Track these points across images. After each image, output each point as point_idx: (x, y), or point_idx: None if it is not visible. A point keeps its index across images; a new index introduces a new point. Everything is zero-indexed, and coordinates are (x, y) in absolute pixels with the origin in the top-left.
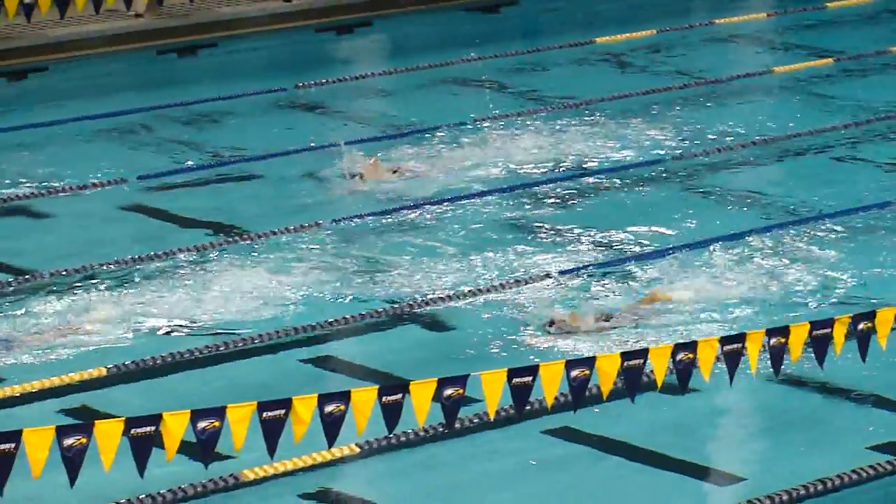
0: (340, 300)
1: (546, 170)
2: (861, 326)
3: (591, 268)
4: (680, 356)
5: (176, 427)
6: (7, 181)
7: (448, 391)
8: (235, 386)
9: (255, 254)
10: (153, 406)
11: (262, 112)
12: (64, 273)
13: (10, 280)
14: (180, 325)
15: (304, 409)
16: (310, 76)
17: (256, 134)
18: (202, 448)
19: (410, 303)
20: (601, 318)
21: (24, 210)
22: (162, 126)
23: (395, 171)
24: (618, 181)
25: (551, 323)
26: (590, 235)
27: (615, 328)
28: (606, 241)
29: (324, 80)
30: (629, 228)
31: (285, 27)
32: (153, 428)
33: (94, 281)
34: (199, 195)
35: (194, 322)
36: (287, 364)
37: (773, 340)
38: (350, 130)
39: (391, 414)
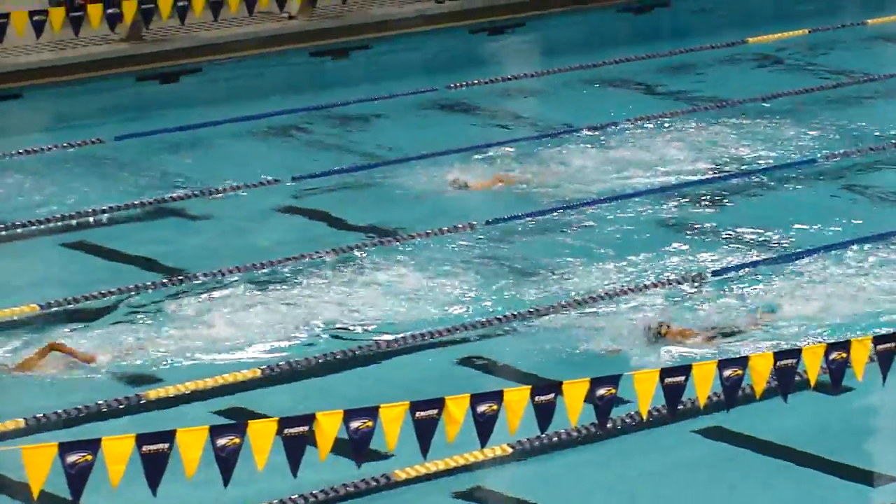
0: (493, 301)
1: (697, 170)
2: None
3: (743, 268)
4: (833, 355)
5: (329, 427)
6: (161, 182)
7: (601, 391)
8: (388, 386)
9: (407, 255)
10: (306, 406)
11: (414, 113)
12: (218, 274)
13: (165, 280)
14: (333, 326)
15: (457, 408)
16: (461, 77)
17: (407, 135)
18: (355, 448)
19: (563, 303)
20: (711, 334)
21: (179, 212)
22: (315, 127)
23: (500, 182)
24: (770, 181)
25: (659, 334)
26: (741, 236)
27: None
28: (757, 242)
29: (475, 81)
30: (780, 229)
31: (437, 28)
32: (306, 428)
33: (248, 282)
34: (351, 196)
35: (347, 322)
36: (440, 364)
37: None
38: (499, 131)
39: (544, 414)
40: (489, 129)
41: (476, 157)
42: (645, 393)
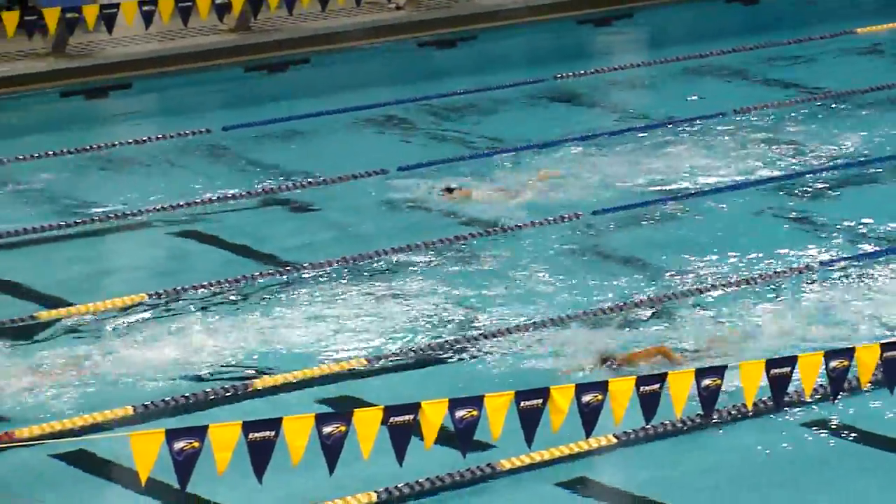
0: (599, 292)
1: (808, 161)
2: None
3: (851, 260)
4: None
5: (434, 416)
6: (268, 173)
7: (706, 381)
8: (492, 375)
9: (512, 245)
10: (411, 395)
11: (521, 103)
12: (325, 264)
13: (272, 271)
14: (437, 316)
15: (562, 398)
16: (568, 67)
17: (514, 125)
18: (460, 437)
19: (671, 294)
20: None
21: (286, 202)
22: (421, 117)
23: (455, 191)
24: (883, 171)
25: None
26: (854, 227)
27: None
28: (871, 233)
29: (582, 72)
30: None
31: (545, 19)
32: (412, 417)
33: (354, 272)
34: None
35: (451, 313)
36: (543, 354)
37: None
38: (605, 122)
39: (649, 404)
40: (595, 120)
41: (579, 147)
42: (750, 384)
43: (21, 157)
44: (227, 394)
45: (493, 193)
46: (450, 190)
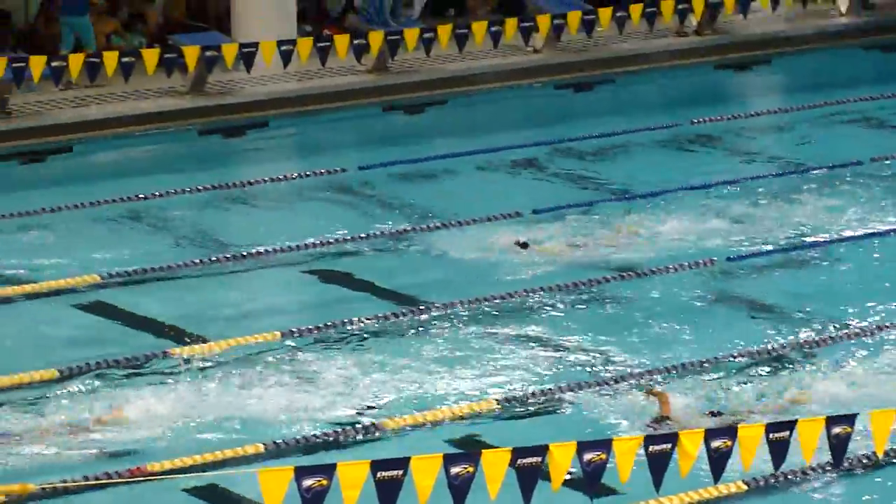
0: (728, 339)
1: None
2: None
3: None
4: None
5: (562, 458)
6: (403, 212)
7: (836, 430)
8: (621, 419)
9: (649, 288)
10: (539, 438)
11: (657, 147)
12: (456, 304)
13: (404, 311)
14: (567, 359)
15: (691, 444)
16: (705, 112)
17: (649, 168)
18: (588, 480)
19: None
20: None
21: (419, 241)
22: (557, 160)
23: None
24: None
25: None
26: None
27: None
28: None
29: (718, 117)
30: None
31: (684, 63)
32: (539, 459)
33: (484, 314)
34: (592, 230)
35: (581, 356)
36: (681, 397)
37: None
38: (740, 167)
39: (778, 451)
40: (729, 166)
41: (716, 192)
42: (881, 432)
43: (158, 193)
44: (357, 433)
45: (623, 238)
46: (523, 245)
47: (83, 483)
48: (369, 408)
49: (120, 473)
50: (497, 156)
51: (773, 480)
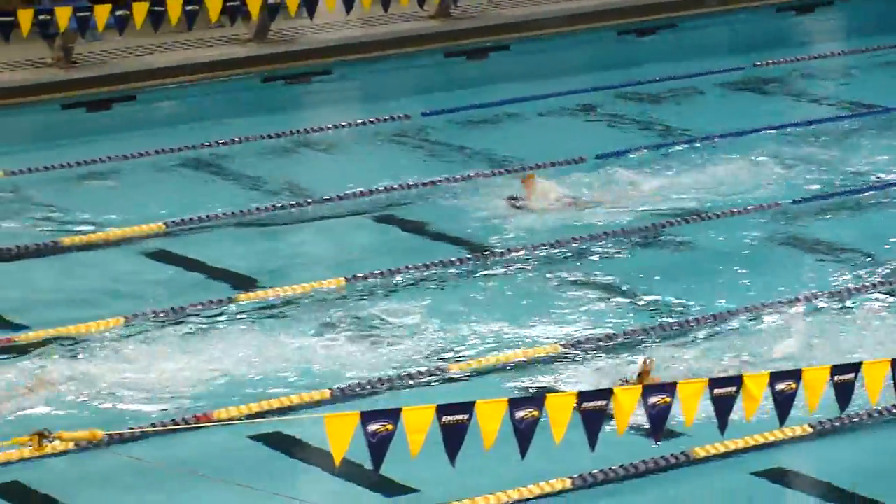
0: (793, 282)
1: None
2: None
3: None
4: None
5: (627, 402)
6: (466, 158)
7: None
8: (685, 362)
9: (720, 231)
10: (604, 382)
11: (720, 92)
12: (516, 250)
13: (469, 256)
14: (632, 303)
15: (756, 386)
16: (768, 56)
17: (712, 113)
18: (653, 424)
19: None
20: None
21: (483, 186)
22: (620, 105)
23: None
24: None
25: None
26: None
27: None
28: None
29: (781, 60)
30: None
31: (746, 6)
32: (604, 402)
33: (548, 258)
34: (647, 175)
35: (645, 301)
36: (738, 344)
37: None
38: (802, 110)
39: (844, 393)
40: (792, 109)
41: (779, 135)
42: None
43: (223, 141)
44: (421, 378)
45: (686, 181)
46: (513, 198)
47: (150, 429)
48: (434, 353)
49: (187, 420)
50: (560, 101)
51: (838, 423)
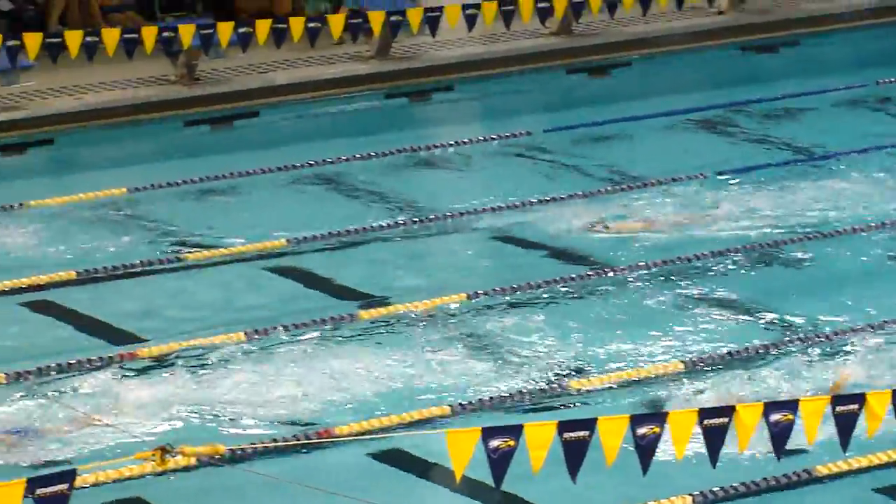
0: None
1: None
2: None
3: None
4: None
5: (749, 419)
6: (588, 175)
7: None
8: (806, 381)
9: (838, 248)
10: (724, 399)
11: (842, 109)
12: (641, 267)
13: (590, 273)
14: (750, 320)
15: (878, 404)
16: (890, 73)
17: (835, 130)
18: (775, 441)
19: None
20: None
21: (604, 202)
22: (741, 122)
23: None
24: None
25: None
26: None
27: None
28: None
29: None
30: None
31: (870, 23)
32: (727, 420)
33: (667, 276)
34: (768, 192)
35: (764, 318)
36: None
37: None
38: None
39: None
40: None
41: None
42: None
43: (345, 157)
44: (542, 394)
45: (806, 198)
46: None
47: (272, 444)
48: (554, 369)
49: (308, 436)
50: (681, 117)
51: None
